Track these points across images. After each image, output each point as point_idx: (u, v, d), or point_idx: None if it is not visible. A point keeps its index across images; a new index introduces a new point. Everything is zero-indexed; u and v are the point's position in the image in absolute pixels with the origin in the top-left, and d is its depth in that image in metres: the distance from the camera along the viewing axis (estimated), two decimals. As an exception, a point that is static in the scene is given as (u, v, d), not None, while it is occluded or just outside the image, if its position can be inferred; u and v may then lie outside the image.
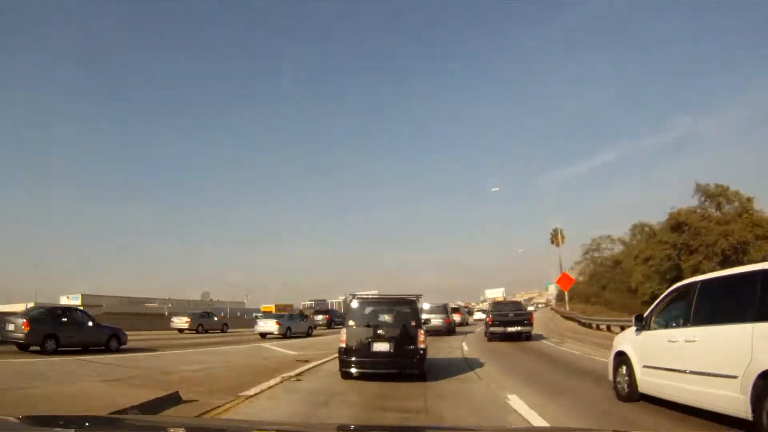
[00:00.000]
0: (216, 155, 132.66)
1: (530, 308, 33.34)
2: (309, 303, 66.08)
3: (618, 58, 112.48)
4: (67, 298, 44.05)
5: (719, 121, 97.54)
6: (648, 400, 6.40)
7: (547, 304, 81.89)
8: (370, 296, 10.56)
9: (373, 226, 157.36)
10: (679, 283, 6.74)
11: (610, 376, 7.36)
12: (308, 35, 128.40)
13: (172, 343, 19.34)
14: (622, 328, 13.42)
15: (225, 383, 8.37)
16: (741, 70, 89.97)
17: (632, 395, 6.65)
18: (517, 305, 23.55)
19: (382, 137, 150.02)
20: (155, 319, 36.58)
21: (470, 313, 48.33)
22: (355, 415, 6.34)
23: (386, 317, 9.39)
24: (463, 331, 27.51)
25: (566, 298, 40.10)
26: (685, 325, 5.80)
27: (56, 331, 13.66)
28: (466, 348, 16.45)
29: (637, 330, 6.87)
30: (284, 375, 9.12)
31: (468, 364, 11.77)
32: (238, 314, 43.23)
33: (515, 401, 6.91)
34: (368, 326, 9.09)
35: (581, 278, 49.43)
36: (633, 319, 7.04)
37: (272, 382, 8.32)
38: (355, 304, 9.71)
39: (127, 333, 16.35)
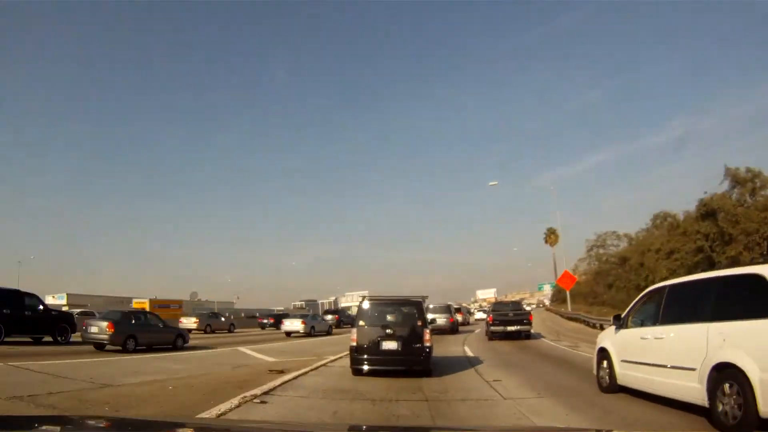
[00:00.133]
0: (205, 155, 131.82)
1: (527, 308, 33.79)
2: (300, 303, 64.73)
3: (618, 58, 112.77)
4: (53, 297, 42.41)
5: (719, 121, 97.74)
6: (626, 392, 7.15)
7: (539, 305, 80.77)
8: (379, 298, 10.84)
9: (360, 227, 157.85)
10: (651, 287, 7.56)
11: (594, 370, 8.14)
12: (308, 35, 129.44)
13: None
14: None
15: (170, 404, 6.88)
16: (741, 70, 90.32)
17: (612, 387, 7.42)
18: (516, 305, 24.32)
19: (375, 138, 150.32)
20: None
21: (470, 312, 49.26)
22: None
23: (394, 317, 9.86)
24: (464, 330, 28.39)
25: (568, 297, 39.86)
26: (655, 324, 6.58)
27: (135, 332, 15.08)
28: (467, 348, 16.88)
29: (616, 328, 7.69)
30: (246, 394, 7.20)
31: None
32: (242, 315, 43.74)
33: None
34: (378, 326, 9.57)
35: (583, 277, 48.35)
36: (612, 318, 7.80)
37: (227, 405, 6.35)
38: (365, 305, 10.20)
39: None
